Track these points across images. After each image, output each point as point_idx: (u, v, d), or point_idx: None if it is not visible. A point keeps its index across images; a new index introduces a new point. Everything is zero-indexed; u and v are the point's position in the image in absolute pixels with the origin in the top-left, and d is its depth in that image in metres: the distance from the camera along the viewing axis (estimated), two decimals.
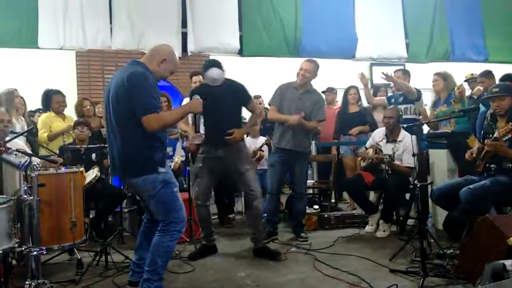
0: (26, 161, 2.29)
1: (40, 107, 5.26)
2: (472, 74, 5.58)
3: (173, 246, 2.69)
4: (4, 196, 2.48)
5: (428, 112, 5.13)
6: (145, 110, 2.47)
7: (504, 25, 8.98)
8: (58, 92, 4.92)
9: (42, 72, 6.70)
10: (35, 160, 2.60)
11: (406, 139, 4.17)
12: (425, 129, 4.99)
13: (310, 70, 4.17)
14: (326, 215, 4.65)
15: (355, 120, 5.44)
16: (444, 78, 4.60)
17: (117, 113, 2.57)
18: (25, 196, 2.32)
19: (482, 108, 4.17)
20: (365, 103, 5.70)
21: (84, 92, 6.90)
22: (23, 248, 2.34)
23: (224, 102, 3.49)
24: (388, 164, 4.21)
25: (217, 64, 3.46)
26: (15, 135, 3.43)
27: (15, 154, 2.29)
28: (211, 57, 7.68)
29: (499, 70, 5.08)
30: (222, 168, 3.62)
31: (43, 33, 6.65)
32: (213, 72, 3.43)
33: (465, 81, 5.49)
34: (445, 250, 3.21)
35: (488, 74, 4.74)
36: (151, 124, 2.49)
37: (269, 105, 4.39)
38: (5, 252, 2.33)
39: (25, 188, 2.31)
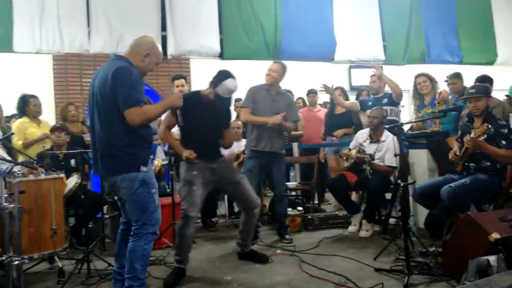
0: (7, 167, 2.22)
1: (15, 112, 5.12)
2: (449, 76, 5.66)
3: (149, 249, 2.64)
4: None
5: (412, 115, 5.18)
6: (127, 103, 2.44)
7: (478, 28, 9.23)
8: (34, 96, 4.84)
9: (18, 76, 6.55)
10: (15, 167, 2.53)
11: (389, 139, 4.27)
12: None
13: (277, 70, 4.22)
14: (309, 216, 4.68)
15: (341, 121, 5.49)
16: (431, 79, 4.61)
17: (102, 109, 2.54)
18: (6, 204, 2.25)
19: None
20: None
21: (62, 97, 6.77)
22: (4, 258, 2.27)
23: (215, 113, 3.37)
24: (369, 164, 4.26)
25: (232, 75, 3.31)
26: None
27: None
28: (191, 60, 7.72)
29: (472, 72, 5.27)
30: (214, 180, 3.39)
31: (18, 37, 6.51)
32: (231, 83, 3.26)
33: (445, 81, 5.58)
34: (427, 248, 3.25)
35: (458, 76, 4.84)
36: (133, 118, 2.46)
37: (242, 107, 4.37)
38: None
39: (6, 195, 2.24)
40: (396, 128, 3.39)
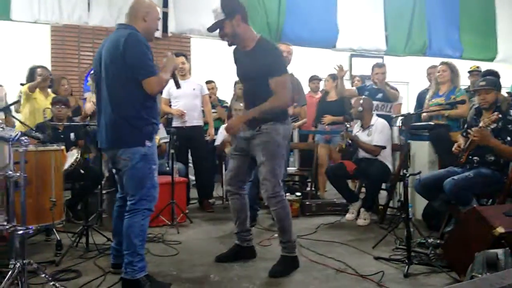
0: (16, 134, 2.16)
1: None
2: (477, 67, 5.62)
3: (146, 225, 2.61)
4: None
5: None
6: (147, 72, 2.44)
7: (480, 24, 9.20)
8: (42, 67, 4.82)
9: (14, 46, 6.39)
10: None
11: (378, 122, 4.44)
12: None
13: (291, 52, 4.20)
14: (307, 202, 4.69)
15: (332, 108, 5.45)
16: (452, 70, 4.50)
17: (111, 80, 2.50)
18: (11, 173, 2.20)
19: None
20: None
21: (58, 69, 6.63)
22: (7, 227, 2.22)
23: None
24: (354, 139, 4.40)
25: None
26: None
27: (2, 128, 2.16)
28: (192, 40, 7.61)
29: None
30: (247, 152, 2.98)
31: (16, 5, 6.29)
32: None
33: (468, 72, 5.57)
34: (427, 239, 3.28)
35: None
36: (153, 87, 2.47)
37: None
38: None
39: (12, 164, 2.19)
40: (402, 118, 3.38)
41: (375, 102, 4.91)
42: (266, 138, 2.81)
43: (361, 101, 4.54)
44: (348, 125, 4.59)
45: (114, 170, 2.78)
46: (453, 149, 3.48)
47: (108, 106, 2.53)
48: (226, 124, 2.99)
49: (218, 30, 2.81)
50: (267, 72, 2.74)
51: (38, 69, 4.69)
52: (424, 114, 4.47)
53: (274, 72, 2.73)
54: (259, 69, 2.76)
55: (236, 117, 2.84)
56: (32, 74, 4.71)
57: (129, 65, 2.43)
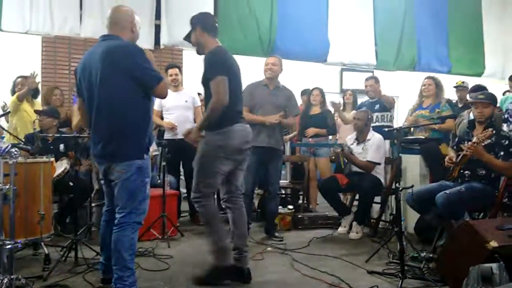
0: (7, 146, 2.12)
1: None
2: (462, 82, 5.69)
3: (136, 238, 2.57)
4: None
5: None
6: (157, 78, 2.50)
7: (468, 39, 9.36)
8: (22, 77, 4.78)
9: (4, 56, 6.33)
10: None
11: (374, 138, 4.44)
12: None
13: (277, 64, 4.24)
14: (300, 216, 4.67)
15: (315, 122, 5.42)
16: (437, 84, 4.63)
17: (107, 92, 2.45)
18: (0, 185, 2.15)
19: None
20: (329, 106, 5.71)
21: (49, 80, 6.57)
22: None
23: None
24: (345, 155, 4.38)
25: None
26: None
27: None
28: (184, 52, 7.62)
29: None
30: None
31: (7, 15, 6.25)
32: None
33: (454, 87, 5.65)
34: (419, 253, 3.27)
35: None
36: (163, 91, 2.57)
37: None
38: None
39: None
40: (395, 132, 3.39)
41: (374, 114, 4.93)
42: (198, 148, 2.98)
43: (358, 114, 4.59)
44: (345, 145, 4.53)
45: (103, 181, 2.73)
46: (446, 163, 3.50)
47: (105, 120, 2.48)
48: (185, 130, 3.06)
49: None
50: (205, 78, 2.90)
51: (18, 79, 4.68)
52: (406, 125, 4.53)
53: (208, 76, 2.87)
54: (203, 75, 2.94)
55: (192, 130, 2.97)
56: (13, 84, 4.75)
57: (137, 77, 2.45)
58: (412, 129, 4.54)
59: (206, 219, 2.99)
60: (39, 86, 6.49)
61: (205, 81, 2.91)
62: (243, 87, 3.98)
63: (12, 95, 4.71)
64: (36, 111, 4.23)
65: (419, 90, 4.75)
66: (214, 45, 2.98)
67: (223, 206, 3.10)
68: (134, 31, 2.62)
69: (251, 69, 7.01)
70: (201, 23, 3.00)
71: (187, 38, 3.06)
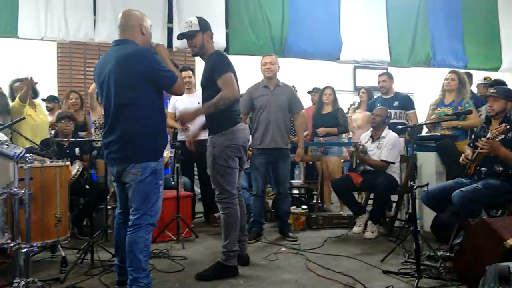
0: (21, 152, 2.16)
1: None
2: (487, 78, 5.49)
3: (150, 239, 2.61)
4: None
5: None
6: (174, 78, 2.56)
7: (484, 33, 9.19)
8: (18, 80, 4.73)
9: (21, 63, 6.46)
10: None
11: (389, 136, 4.37)
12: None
13: (274, 62, 4.24)
14: (314, 215, 4.64)
15: (327, 121, 5.40)
16: (460, 79, 4.40)
17: (123, 95, 2.51)
18: (15, 190, 2.19)
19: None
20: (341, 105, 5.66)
21: (65, 85, 6.71)
22: (12, 244, 2.21)
23: None
24: (359, 154, 4.33)
25: None
26: (6, 124, 3.27)
27: (7, 145, 2.16)
28: None
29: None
30: None
31: (23, 22, 6.38)
32: None
33: (482, 84, 5.47)
34: (436, 252, 3.22)
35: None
36: (181, 89, 2.66)
37: None
38: None
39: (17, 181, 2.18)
40: (409, 129, 3.35)
41: (392, 111, 4.86)
42: (207, 152, 3.12)
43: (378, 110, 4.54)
44: (360, 144, 4.48)
45: (115, 184, 2.77)
46: (461, 160, 3.44)
47: (121, 121, 2.53)
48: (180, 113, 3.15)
49: (186, 40, 3.09)
50: (211, 76, 2.98)
51: (16, 84, 4.68)
52: (430, 121, 4.39)
53: (216, 73, 2.96)
54: (207, 75, 3.05)
55: (191, 113, 3.09)
56: (11, 90, 4.70)
57: (154, 80, 2.52)
58: (435, 126, 4.38)
59: (227, 222, 3.11)
60: (56, 90, 6.67)
61: (208, 81, 3.02)
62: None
63: (12, 100, 4.62)
64: (61, 117, 4.27)
65: (442, 84, 4.55)
66: (213, 50, 3.14)
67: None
68: (144, 33, 2.66)
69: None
70: (211, 30, 3.14)
71: (186, 36, 3.07)
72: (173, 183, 4.47)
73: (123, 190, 2.67)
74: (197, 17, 3.09)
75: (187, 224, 4.20)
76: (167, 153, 4.53)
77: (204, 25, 3.08)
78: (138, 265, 2.50)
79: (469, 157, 3.37)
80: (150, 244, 2.63)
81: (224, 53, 3.18)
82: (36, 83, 4.46)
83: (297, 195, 5.40)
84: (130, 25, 2.64)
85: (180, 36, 3.13)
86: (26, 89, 4.35)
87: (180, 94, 2.84)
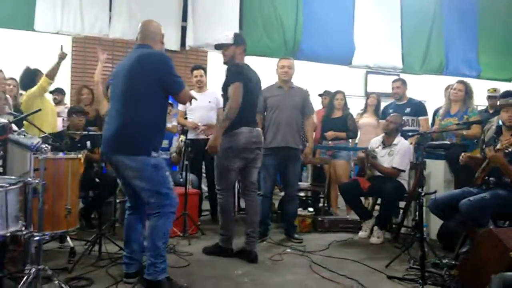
0: (38, 142, 2.21)
1: None
2: (494, 90, 5.49)
3: (170, 227, 2.77)
4: (14, 177, 2.41)
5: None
6: (181, 85, 2.75)
7: (498, 43, 9.14)
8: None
9: (36, 54, 6.54)
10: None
11: (401, 143, 4.34)
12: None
13: (292, 66, 4.32)
14: (320, 218, 4.66)
15: (336, 125, 5.39)
16: (467, 90, 4.44)
17: (131, 90, 2.66)
18: (30, 179, 2.24)
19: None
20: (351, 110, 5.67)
21: (78, 79, 6.77)
22: (24, 232, 2.26)
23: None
24: (370, 160, 4.33)
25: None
26: (22, 115, 3.34)
27: (24, 135, 2.21)
28: (209, 54, 7.71)
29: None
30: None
31: (40, 16, 6.47)
32: None
33: (488, 96, 5.47)
34: (441, 260, 3.22)
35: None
36: (186, 98, 2.87)
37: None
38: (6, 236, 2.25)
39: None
40: (419, 137, 3.35)
41: (404, 117, 4.85)
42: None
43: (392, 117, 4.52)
44: (370, 150, 4.47)
45: (120, 181, 2.92)
46: (460, 158, 3.44)
47: (121, 115, 2.66)
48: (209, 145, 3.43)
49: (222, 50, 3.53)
50: (227, 83, 3.42)
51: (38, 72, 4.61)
52: (436, 130, 4.39)
53: (227, 83, 3.42)
54: (225, 82, 3.48)
55: (212, 138, 3.42)
56: (33, 75, 4.60)
57: (166, 83, 2.70)
58: (443, 135, 4.40)
59: (221, 209, 3.60)
60: (69, 84, 6.74)
61: (225, 87, 3.44)
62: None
63: (28, 88, 4.49)
64: (73, 111, 4.32)
65: (448, 92, 4.58)
66: (241, 62, 3.53)
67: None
68: (163, 42, 2.92)
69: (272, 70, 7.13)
70: (245, 45, 3.58)
71: (220, 47, 3.51)
72: (181, 180, 4.51)
73: (128, 186, 2.80)
74: (234, 32, 3.57)
75: (193, 221, 4.24)
76: (177, 144, 4.64)
77: (238, 40, 3.50)
78: (157, 252, 2.66)
79: (476, 162, 3.36)
80: (169, 232, 2.77)
81: (244, 63, 3.51)
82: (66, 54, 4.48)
83: (304, 198, 5.40)
84: (152, 32, 2.85)
85: (217, 46, 3.56)
86: (56, 65, 4.35)
87: (184, 103, 3.23)
